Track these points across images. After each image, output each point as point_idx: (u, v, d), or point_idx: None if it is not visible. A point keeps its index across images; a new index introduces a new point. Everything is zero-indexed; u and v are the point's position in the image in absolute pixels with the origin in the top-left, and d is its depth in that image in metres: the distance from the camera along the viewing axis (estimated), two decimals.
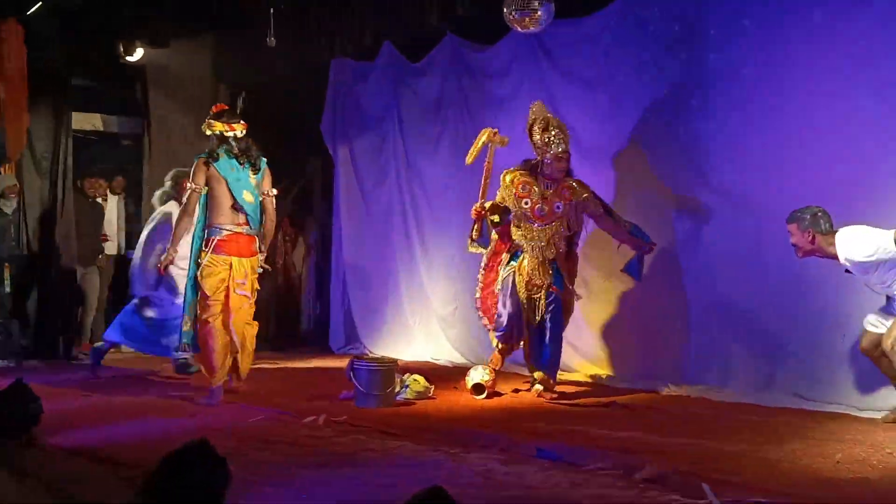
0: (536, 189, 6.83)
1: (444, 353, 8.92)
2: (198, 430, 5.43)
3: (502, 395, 7.00)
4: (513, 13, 6.45)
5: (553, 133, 6.72)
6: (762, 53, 6.56)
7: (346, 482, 4.42)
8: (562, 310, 6.92)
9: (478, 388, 6.89)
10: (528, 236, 6.83)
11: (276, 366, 8.86)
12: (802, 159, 6.36)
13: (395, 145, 9.44)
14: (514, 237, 6.93)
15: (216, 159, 6.67)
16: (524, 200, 6.81)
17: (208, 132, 6.82)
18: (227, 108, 7.31)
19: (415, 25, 8.06)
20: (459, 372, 7.57)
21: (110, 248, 10.02)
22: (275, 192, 7.02)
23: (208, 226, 6.66)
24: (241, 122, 6.89)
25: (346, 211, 10.11)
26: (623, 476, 4.43)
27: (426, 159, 9.17)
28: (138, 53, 9.55)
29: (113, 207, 10.07)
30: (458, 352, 8.80)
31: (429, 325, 9.19)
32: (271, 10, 8.13)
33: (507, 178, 6.90)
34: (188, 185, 6.73)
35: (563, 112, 7.87)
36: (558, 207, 6.79)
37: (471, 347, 8.65)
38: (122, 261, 10.17)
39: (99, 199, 9.89)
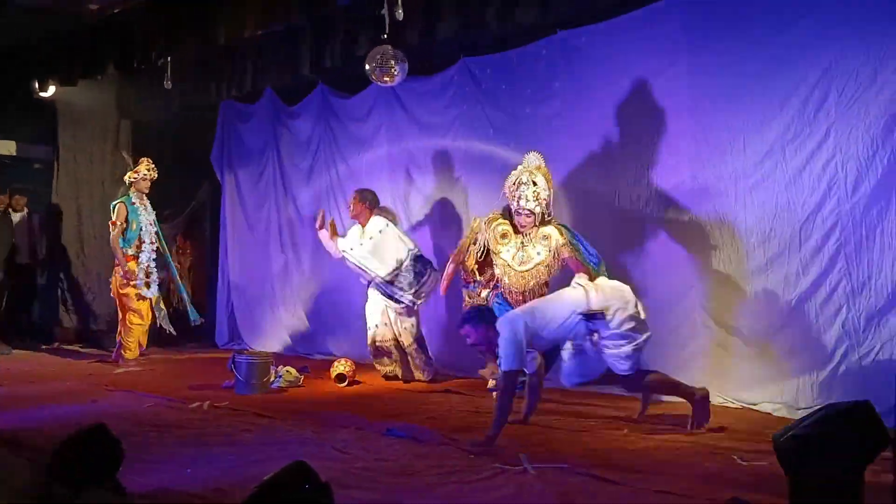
0: (515, 237, 5.84)
1: (313, 347, 8.76)
2: (95, 415, 5.13)
3: (360, 383, 6.93)
4: (374, 69, 6.44)
5: (520, 188, 5.65)
6: (573, 112, 6.63)
7: (226, 459, 4.28)
8: None
9: (340, 378, 6.82)
10: (508, 283, 5.86)
11: (167, 358, 8.52)
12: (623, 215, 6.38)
13: (274, 175, 9.25)
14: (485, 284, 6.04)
15: None
16: (504, 248, 5.84)
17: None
18: None
19: (291, 74, 7.98)
20: (325, 364, 7.44)
21: (19, 258, 9.61)
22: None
23: None
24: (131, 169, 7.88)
25: (231, 228, 9.84)
26: (456, 449, 4.46)
27: (299, 187, 9.00)
28: (51, 90, 9.13)
29: (18, 222, 9.62)
30: (326, 347, 8.65)
31: (300, 324, 9.03)
32: (168, 58, 7.87)
33: (493, 223, 5.90)
34: None
35: (412, 153, 7.92)
36: (538, 254, 5.75)
37: (336, 343, 8.51)
38: (27, 269, 9.79)
39: (9, 212, 9.47)
